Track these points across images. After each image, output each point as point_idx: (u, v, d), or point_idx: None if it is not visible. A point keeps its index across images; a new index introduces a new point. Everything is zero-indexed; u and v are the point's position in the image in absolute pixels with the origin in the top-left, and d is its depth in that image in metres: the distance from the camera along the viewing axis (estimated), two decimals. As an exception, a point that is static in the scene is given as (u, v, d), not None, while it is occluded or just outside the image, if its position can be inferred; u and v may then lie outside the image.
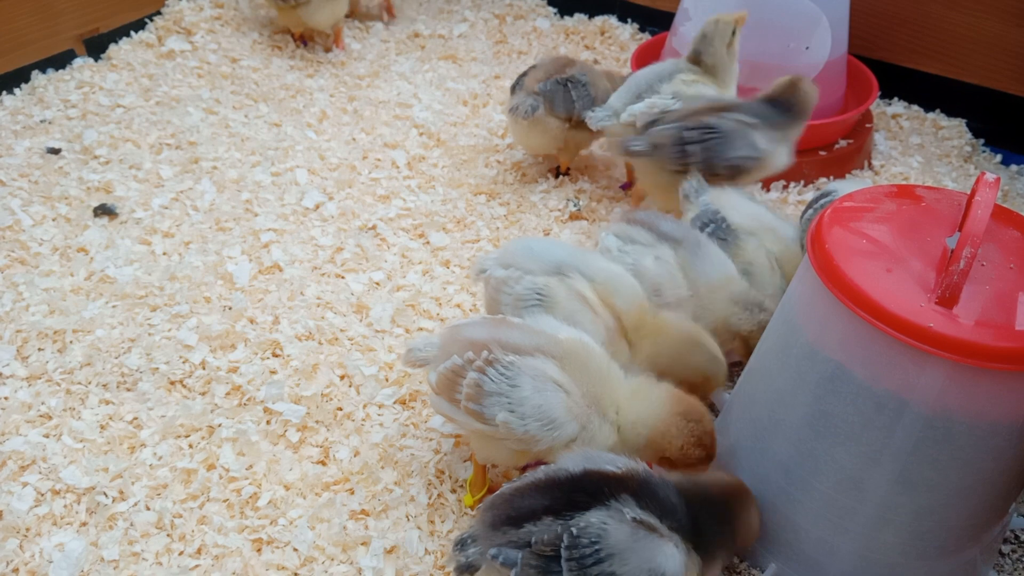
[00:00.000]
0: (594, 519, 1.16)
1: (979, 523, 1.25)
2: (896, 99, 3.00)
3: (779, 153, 2.04)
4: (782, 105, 2.05)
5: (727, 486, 1.28)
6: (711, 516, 1.24)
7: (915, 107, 2.97)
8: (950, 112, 2.91)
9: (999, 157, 2.75)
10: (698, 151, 1.99)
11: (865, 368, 1.16)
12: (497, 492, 1.26)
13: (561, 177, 2.51)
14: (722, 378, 1.56)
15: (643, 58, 2.83)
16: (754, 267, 1.75)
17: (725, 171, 2.00)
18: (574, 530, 1.15)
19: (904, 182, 2.56)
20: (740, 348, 1.70)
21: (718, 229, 1.79)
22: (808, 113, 2.08)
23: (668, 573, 1.15)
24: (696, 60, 2.26)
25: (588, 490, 1.20)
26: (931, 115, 2.91)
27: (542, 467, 1.27)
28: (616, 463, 1.25)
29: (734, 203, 1.87)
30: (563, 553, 1.14)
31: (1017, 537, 1.45)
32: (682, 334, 1.55)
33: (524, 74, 2.45)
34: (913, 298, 1.11)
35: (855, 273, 1.14)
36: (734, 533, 1.26)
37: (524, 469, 1.59)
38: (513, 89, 2.46)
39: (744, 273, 1.74)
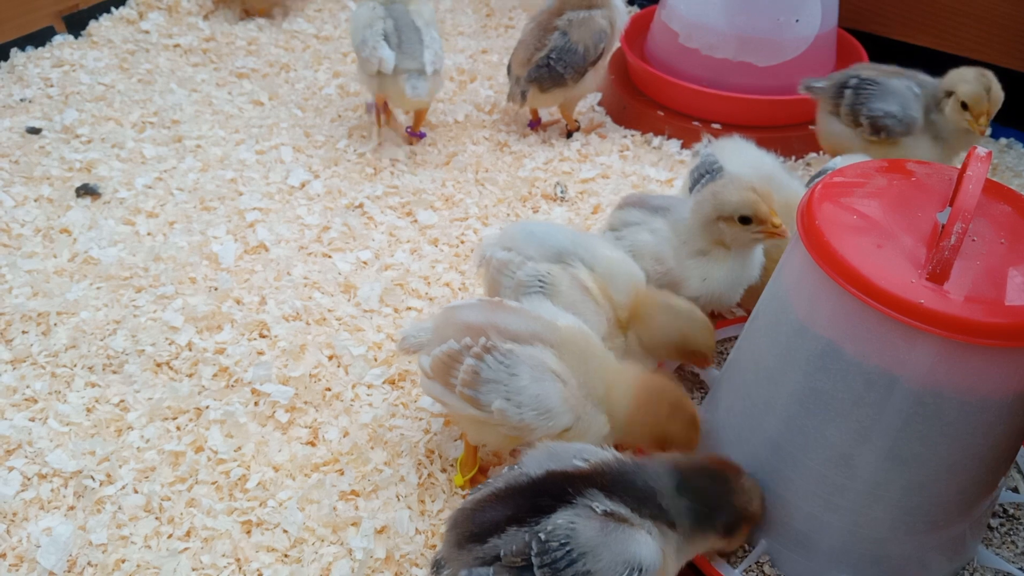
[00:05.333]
0: (561, 520, 1.12)
1: (968, 498, 1.25)
2: (886, 72, 2.98)
3: (920, 142, 2.06)
4: (942, 116, 2.04)
5: (718, 461, 1.27)
6: (704, 490, 1.21)
7: (905, 80, 2.95)
8: (940, 85, 2.89)
9: (988, 130, 2.73)
10: (850, 95, 2.06)
11: (855, 345, 1.15)
12: (459, 508, 1.23)
13: (550, 157, 2.49)
14: (702, 333, 1.53)
15: (633, 32, 2.81)
16: None
17: (866, 121, 2.05)
18: (542, 535, 1.10)
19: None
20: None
21: (712, 179, 1.79)
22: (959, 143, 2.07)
23: (644, 562, 1.11)
24: None
25: (551, 492, 1.16)
26: (921, 88, 2.90)
27: (502, 473, 1.24)
28: (583, 455, 1.21)
29: (738, 151, 1.87)
30: (534, 560, 1.10)
31: (1006, 511, 1.45)
32: (658, 302, 1.54)
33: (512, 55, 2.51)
34: (904, 274, 1.10)
35: (845, 249, 1.13)
36: (730, 507, 1.23)
37: (516, 452, 1.59)
38: (507, 72, 2.52)
39: None
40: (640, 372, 1.41)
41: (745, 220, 1.57)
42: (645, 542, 1.13)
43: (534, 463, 1.21)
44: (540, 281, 1.53)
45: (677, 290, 1.66)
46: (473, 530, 1.17)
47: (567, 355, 1.36)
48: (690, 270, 1.65)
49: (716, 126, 2.48)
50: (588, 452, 1.22)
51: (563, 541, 1.10)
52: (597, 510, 1.13)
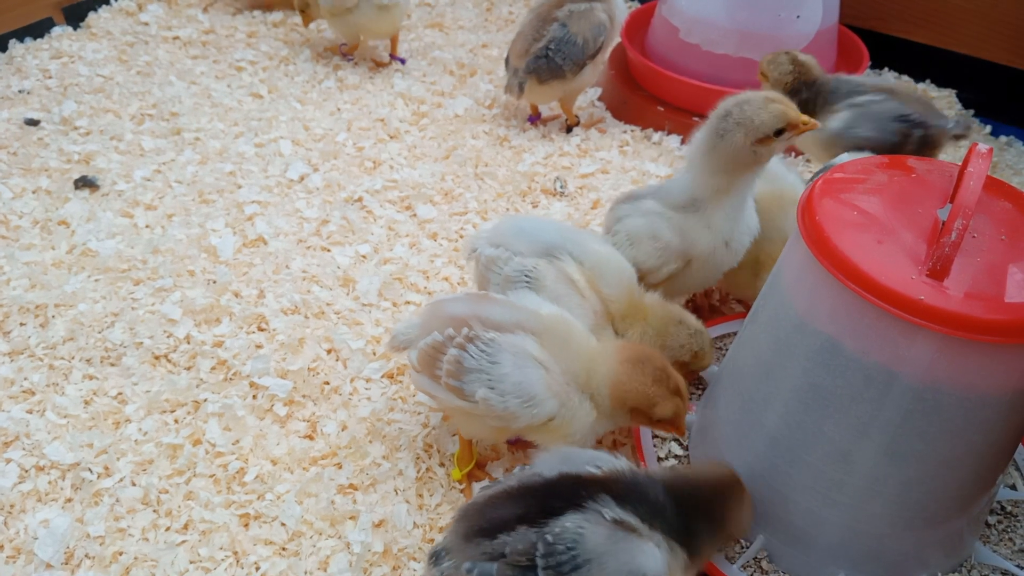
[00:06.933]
0: (569, 524, 1.10)
1: (966, 494, 1.25)
2: (886, 69, 2.98)
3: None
4: None
5: (717, 481, 1.25)
6: (699, 512, 1.20)
7: (905, 77, 2.95)
8: (940, 82, 2.90)
9: (988, 128, 2.74)
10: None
11: (855, 341, 1.15)
12: (470, 501, 1.22)
13: (550, 151, 2.49)
14: (709, 350, 1.56)
15: (634, 27, 2.80)
16: None
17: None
18: (549, 537, 1.09)
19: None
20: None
21: None
22: None
23: (649, 574, 1.10)
24: None
25: (563, 495, 1.15)
26: (921, 85, 2.90)
27: (516, 472, 1.24)
28: (598, 462, 1.20)
29: None
30: (539, 562, 1.08)
31: (1004, 508, 1.46)
32: (663, 314, 1.55)
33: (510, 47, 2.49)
34: (904, 270, 1.10)
35: (845, 245, 1.13)
36: (723, 528, 1.23)
37: (511, 444, 1.59)
38: (505, 64, 2.51)
39: None
40: (620, 343, 1.41)
41: (780, 132, 1.55)
42: (652, 554, 1.11)
43: (548, 465, 1.21)
44: (526, 276, 1.52)
45: (686, 256, 1.65)
46: (483, 524, 1.16)
47: (549, 342, 1.35)
48: (693, 224, 1.63)
49: (716, 122, 2.48)
50: (602, 460, 1.21)
51: (569, 545, 1.09)
52: (607, 517, 1.12)
